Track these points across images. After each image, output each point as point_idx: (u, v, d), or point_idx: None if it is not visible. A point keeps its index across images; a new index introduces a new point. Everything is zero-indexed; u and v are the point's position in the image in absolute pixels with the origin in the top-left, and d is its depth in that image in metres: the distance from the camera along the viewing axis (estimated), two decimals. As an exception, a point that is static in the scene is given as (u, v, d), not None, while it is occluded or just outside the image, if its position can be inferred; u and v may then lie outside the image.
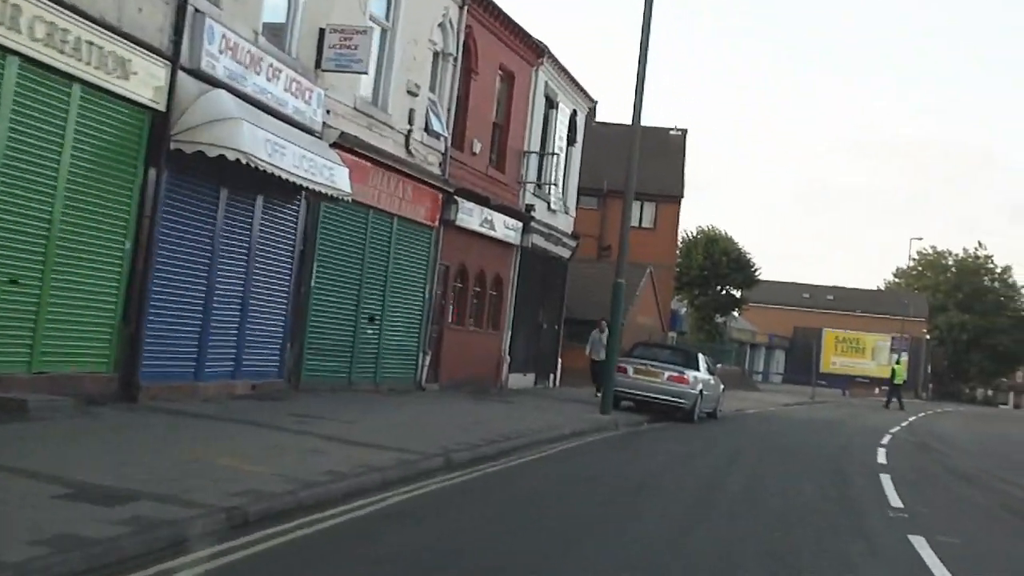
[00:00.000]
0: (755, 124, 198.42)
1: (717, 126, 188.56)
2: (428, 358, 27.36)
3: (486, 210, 29.86)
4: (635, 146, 27.76)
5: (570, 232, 39.61)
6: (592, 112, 43.21)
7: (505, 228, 31.55)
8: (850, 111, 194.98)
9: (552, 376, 39.19)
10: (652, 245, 54.38)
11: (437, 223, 27.28)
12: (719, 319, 72.54)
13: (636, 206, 53.56)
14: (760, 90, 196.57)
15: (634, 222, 50.67)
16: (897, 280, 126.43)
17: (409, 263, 26.18)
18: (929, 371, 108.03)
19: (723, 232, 72.49)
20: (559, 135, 36.85)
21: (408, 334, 26.47)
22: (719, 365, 64.46)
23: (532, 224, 33.66)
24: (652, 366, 28.31)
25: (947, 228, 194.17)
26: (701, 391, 28.32)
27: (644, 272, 50.70)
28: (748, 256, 72.03)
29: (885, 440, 28.72)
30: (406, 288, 26.12)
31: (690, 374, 28.14)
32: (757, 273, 73.31)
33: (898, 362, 55.77)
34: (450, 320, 29.54)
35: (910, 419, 41.83)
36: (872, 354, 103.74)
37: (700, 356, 30.37)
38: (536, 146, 34.60)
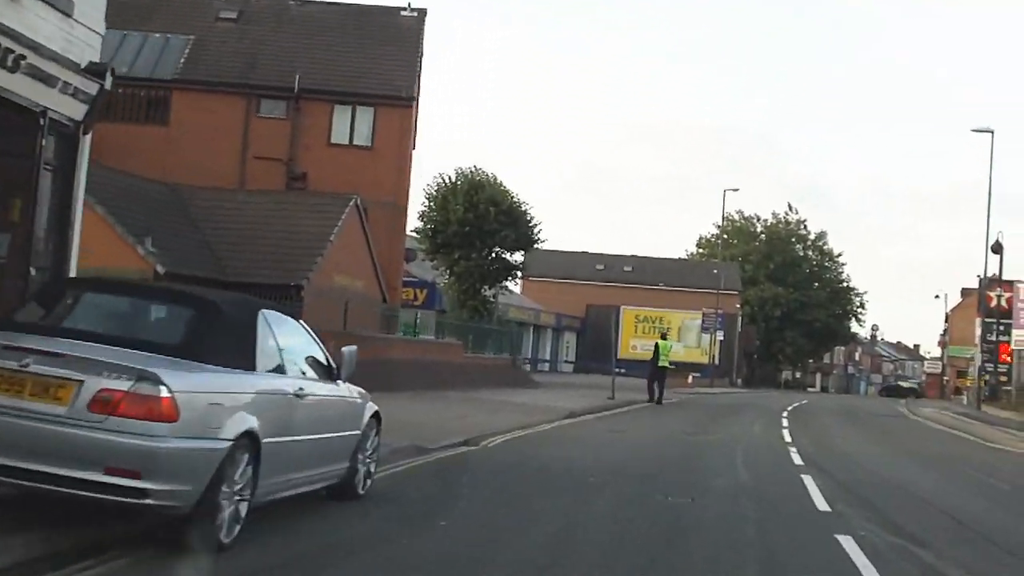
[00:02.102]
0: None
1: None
2: None
3: None
4: None
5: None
6: None
7: None
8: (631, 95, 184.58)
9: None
10: (369, 171, 35.86)
11: None
12: (487, 292, 53.12)
13: (344, 113, 37.17)
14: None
15: (342, 137, 36.88)
16: (701, 251, 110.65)
17: None
18: (742, 353, 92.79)
19: (490, 176, 52.88)
20: None
21: None
22: (510, 355, 46.42)
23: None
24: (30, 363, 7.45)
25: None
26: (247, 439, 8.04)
27: (344, 205, 31.77)
28: (524, 208, 52.68)
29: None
30: None
31: (184, 383, 7.49)
32: (536, 230, 53.67)
33: (664, 336, 39.15)
34: None
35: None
36: (679, 334, 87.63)
37: (269, 319, 9.20)
38: None
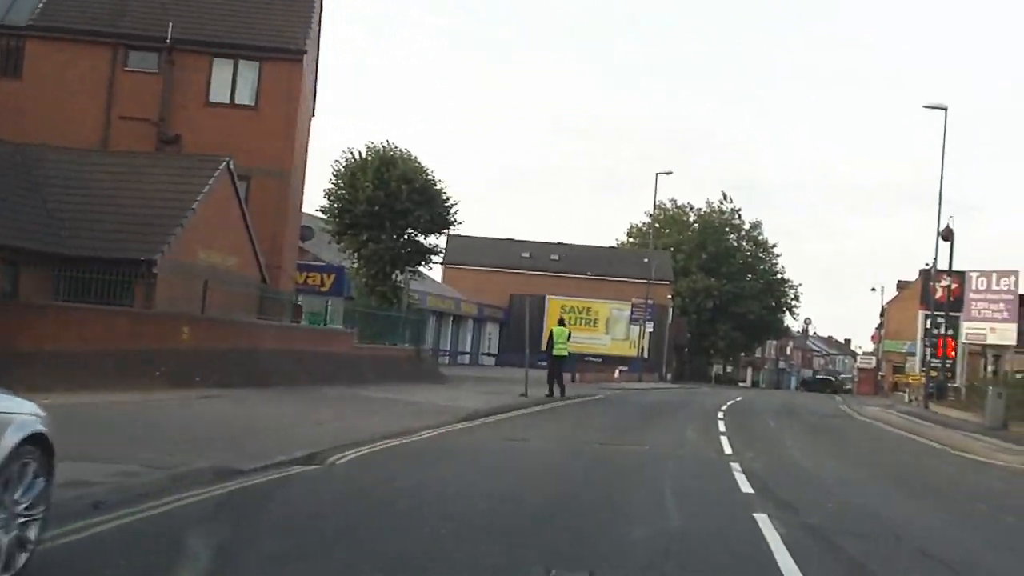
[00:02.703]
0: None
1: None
2: None
3: None
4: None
5: None
6: None
7: None
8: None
9: None
10: (253, 135, 31.58)
11: None
12: (398, 277, 48.53)
13: (225, 68, 32.66)
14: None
15: (222, 95, 32.39)
16: (632, 240, 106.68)
17: None
18: (673, 346, 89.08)
19: (404, 151, 48.16)
20: None
21: None
22: (414, 346, 42.00)
23: None
24: None
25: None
26: None
27: (213, 169, 27.23)
28: (440, 187, 48.04)
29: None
30: None
31: None
32: (453, 211, 49.04)
33: (561, 323, 34.43)
34: None
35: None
36: (607, 326, 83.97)
37: None
38: None
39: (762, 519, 10.19)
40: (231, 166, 27.82)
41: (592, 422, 24.54)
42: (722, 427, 24.62)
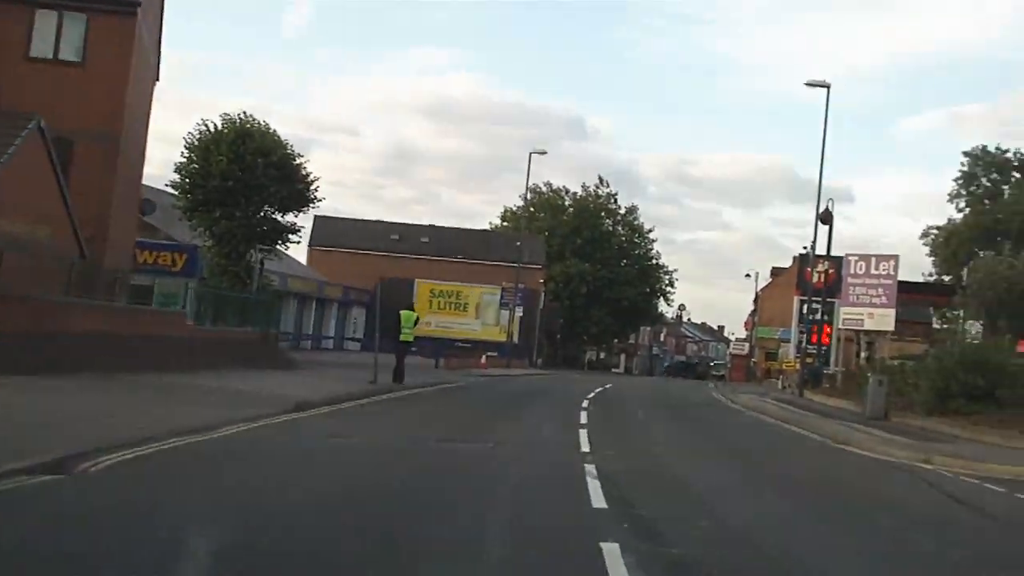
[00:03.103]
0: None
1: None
2: None
3: None
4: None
5: None
6: None
7: None
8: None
9: None
10: (79, 94, 28.48)
11: None
12: (253, 256, 45.40)
13: (49, 19, 29.01)
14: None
15: (45, 49, 28.94)
16: (506, 224, 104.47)
17: None
18: (544, 332, 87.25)
19: (261, 124, 44.98)
20: None
21: None
22: (261, 329, 39.30)
23: None
24: None
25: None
26: None
27: (20, 128, 24.10)
28: (299, 162, 44.98)
29: None
30: None
31: None
32: (313, 188, 46.02)
33: (410, 307, 32.54)
34: None
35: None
36: (477, 311, 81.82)
37: None
38: None
39: (611, 551, 7.59)
40: (42, 125, 24.63)
41: (440, 413, 21.94)
42: (584, 419, 22.16)
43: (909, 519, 11.46)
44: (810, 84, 44.08)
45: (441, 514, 9.45)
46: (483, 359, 58.32)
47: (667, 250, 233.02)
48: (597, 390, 38.32)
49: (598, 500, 10.55)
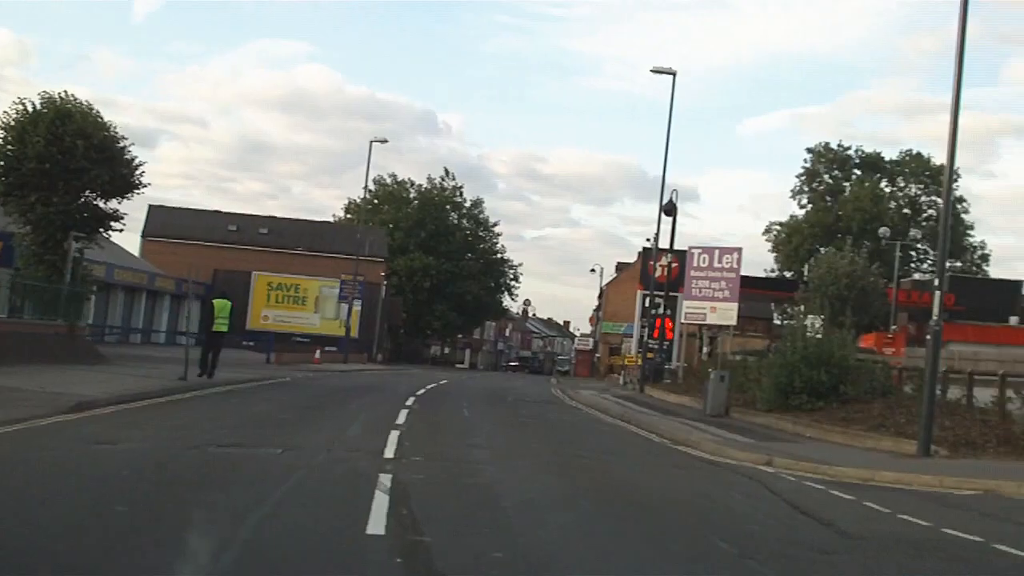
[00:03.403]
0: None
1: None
2: None
3: None
4: None
5: None
6: None
7: None
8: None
9: None
10: None
11: None
12: (74, 247, 42.24)
13: None
14: None
15: None
16: (350, 216, 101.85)
17: None
18: (386, 325, 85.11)
19: (84, 104, 41.78)
20: None
21: None
22: (62, 320, 36.54)
23: None
24: None
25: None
26: None
27: None
28: (123, 145, 41.91)
29: None
30: None
31: None
32: (138, 172, 43.00)
33: (223, 295, 30.07)
34: None
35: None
36: (316, 305, 79.32)
37: None
38: None
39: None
40: None
41: (241, 413, 19.63)
42: (403, 418, 20.17)
43: (751, 541, 9.70)
44: (656, 71, 43.51)
45: (155, 551, 7.36)
46: (317, 354, 55.92)
47: (516, 247, 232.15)
48: (431, 386, 36.41)
49: (377, 524, 8.58)
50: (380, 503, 9.58)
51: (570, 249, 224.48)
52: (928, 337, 19.45)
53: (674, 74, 43.11)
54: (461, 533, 8.84)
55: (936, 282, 20.13)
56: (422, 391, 31.64)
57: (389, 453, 14.01)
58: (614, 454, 17.85)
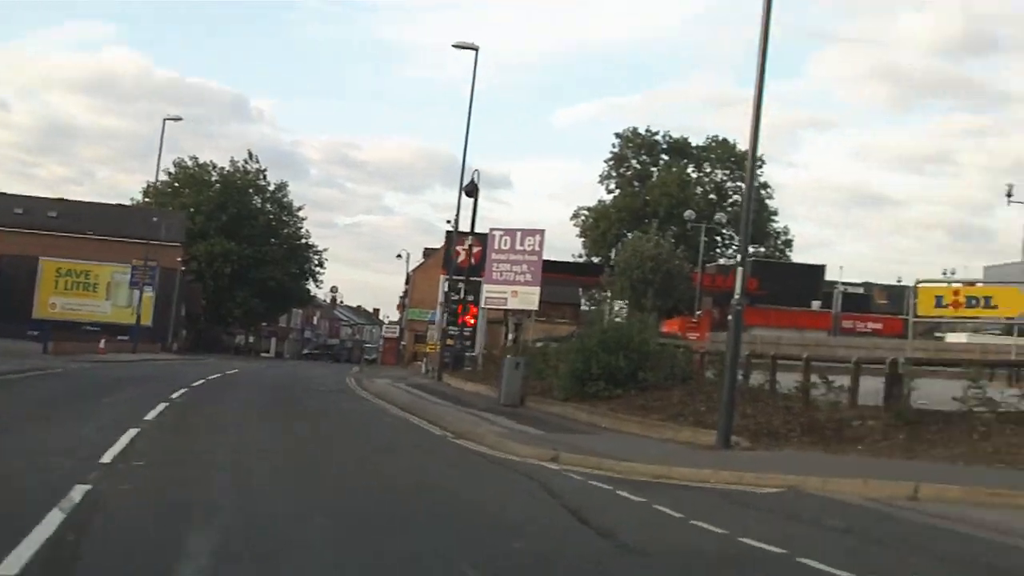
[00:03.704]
0: None
1: None
2: None
3: None
4: None
5: None
6: None
7: None
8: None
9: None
10: None
11: None
12: None
13: None
14: None
15: None
16: (148, 200, 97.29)
17: None
18: (184, 313, 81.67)
19: None
20: None
21: None
22: None
23: None
24: None
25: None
26: None
27: None
28: None
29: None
30: None
31: None
32: None
33: None
34: None
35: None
36: (108, 292, 75.48)
37: None
38: None
39: None
40: None
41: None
42: (155, 414, 17.82)
43: (508, 564, 8.03)
44: (458, 46, 42.01)
45: None
46: (101, 344, 52.64)
47: (329, 233, 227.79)
48: (213, 376, 33.99)
49: (18, 560, 6.59)
50: (46, 527, 7.54)
51: (383, 236, 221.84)
52: (730, 318, 18.12)
53: (476, 49, 41.64)
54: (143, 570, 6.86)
55: (739, 258, 18.89)
56: (200, 382, 29.29)
57: (108, 457, 11.81)
58: (383, 450, 15.99)
